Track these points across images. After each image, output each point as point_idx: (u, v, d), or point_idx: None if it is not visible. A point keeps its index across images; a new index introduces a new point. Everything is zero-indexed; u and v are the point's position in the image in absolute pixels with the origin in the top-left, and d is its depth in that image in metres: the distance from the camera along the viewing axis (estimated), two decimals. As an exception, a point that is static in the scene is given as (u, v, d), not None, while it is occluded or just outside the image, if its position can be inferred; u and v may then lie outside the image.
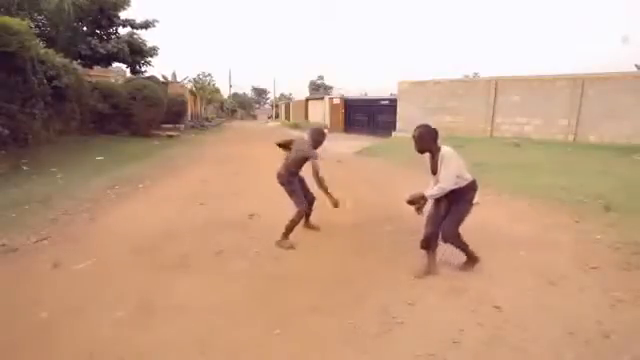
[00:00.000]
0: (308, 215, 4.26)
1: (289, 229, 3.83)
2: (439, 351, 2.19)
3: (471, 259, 3.26)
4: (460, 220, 3.10)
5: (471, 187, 3.09)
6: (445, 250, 3.35)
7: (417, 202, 3.05)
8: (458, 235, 3.12)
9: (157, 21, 17.83)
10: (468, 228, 3.19)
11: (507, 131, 12.81)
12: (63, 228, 4.29)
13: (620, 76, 10.97)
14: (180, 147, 12.74)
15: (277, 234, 3.89)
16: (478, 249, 3.74)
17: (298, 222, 3.90)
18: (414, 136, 3.02)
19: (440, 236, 3.15)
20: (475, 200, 3.16)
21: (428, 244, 3.17)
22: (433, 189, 2.98)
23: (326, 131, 4.66)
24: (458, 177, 2.96)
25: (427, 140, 2.99)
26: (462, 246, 3.17)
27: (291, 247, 3.77)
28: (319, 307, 2.67)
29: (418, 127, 3.04)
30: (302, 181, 4.14)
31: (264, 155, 10.94)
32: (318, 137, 3.92)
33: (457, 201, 3.07)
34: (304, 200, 3.98)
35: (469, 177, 3.07)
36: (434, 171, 3.07)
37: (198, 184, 6.83)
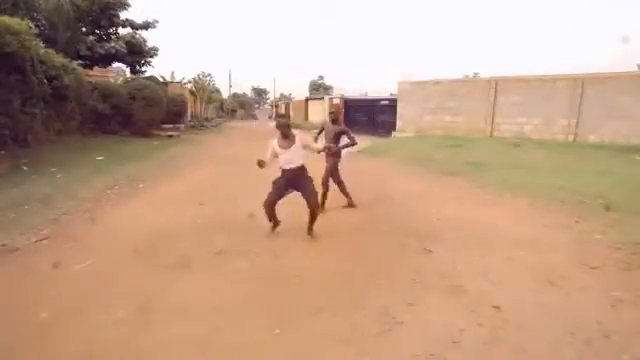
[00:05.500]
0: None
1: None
2: (439, 351, 2.19)
3: None
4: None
5: None
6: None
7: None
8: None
9: (157, 21, 17.79)
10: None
11: (507, 131, 12.80)
12: (63, 228, 4.29)
13: (620, 76, 10.96)
14: (180, 147, 12.74)
15: (277, 234, 3.94)
16: (478, 248, 3.74)
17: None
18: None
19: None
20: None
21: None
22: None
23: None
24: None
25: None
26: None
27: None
28: (319, 307, 2.67)
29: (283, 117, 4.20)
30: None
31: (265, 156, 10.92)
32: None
33: None
34: None
35: None
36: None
37: (198, 184, 6.83)
